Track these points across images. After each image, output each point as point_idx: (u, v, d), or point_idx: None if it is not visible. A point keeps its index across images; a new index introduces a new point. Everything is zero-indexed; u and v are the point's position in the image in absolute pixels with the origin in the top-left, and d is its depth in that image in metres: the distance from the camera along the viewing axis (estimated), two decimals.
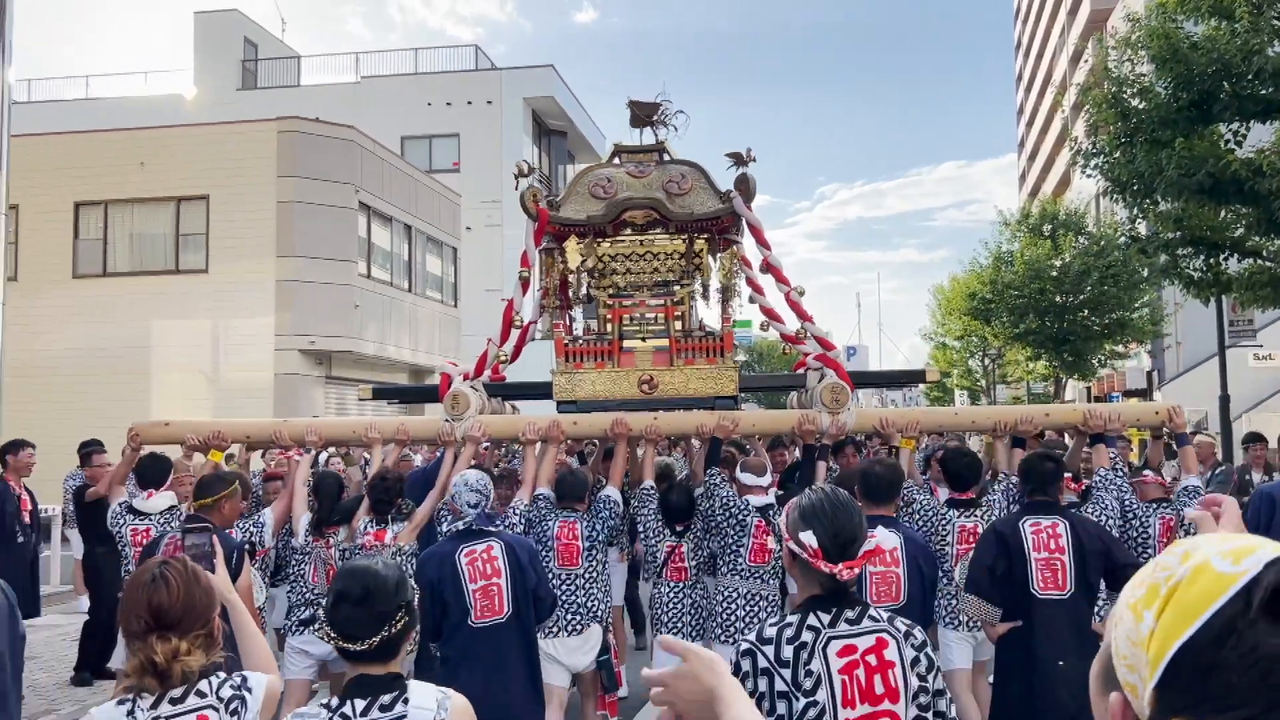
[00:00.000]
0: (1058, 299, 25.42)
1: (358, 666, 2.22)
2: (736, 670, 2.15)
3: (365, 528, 5.14)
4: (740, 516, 5.15)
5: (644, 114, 5.88)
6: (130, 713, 2.12)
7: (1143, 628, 0.81)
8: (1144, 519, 5.25)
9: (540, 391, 6.29)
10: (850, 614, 2.21)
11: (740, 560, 5.11)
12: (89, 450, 8.29)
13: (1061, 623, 4.21)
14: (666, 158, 5.90)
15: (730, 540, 5.15)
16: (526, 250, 5.77)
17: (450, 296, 23.20)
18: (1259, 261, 12.57)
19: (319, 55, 35.23)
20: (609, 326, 5.86)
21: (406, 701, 2.16)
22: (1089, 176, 14.06)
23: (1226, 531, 1.38)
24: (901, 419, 5.58)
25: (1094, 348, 25.87)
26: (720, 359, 5.75)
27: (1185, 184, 11.42)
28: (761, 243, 5.63)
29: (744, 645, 2.19)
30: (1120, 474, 5.34)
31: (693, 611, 5.30)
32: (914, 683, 2.19)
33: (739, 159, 5.63)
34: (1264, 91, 11.13)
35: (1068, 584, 4.24)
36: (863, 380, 6.54)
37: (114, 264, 17.92)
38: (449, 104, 28.92)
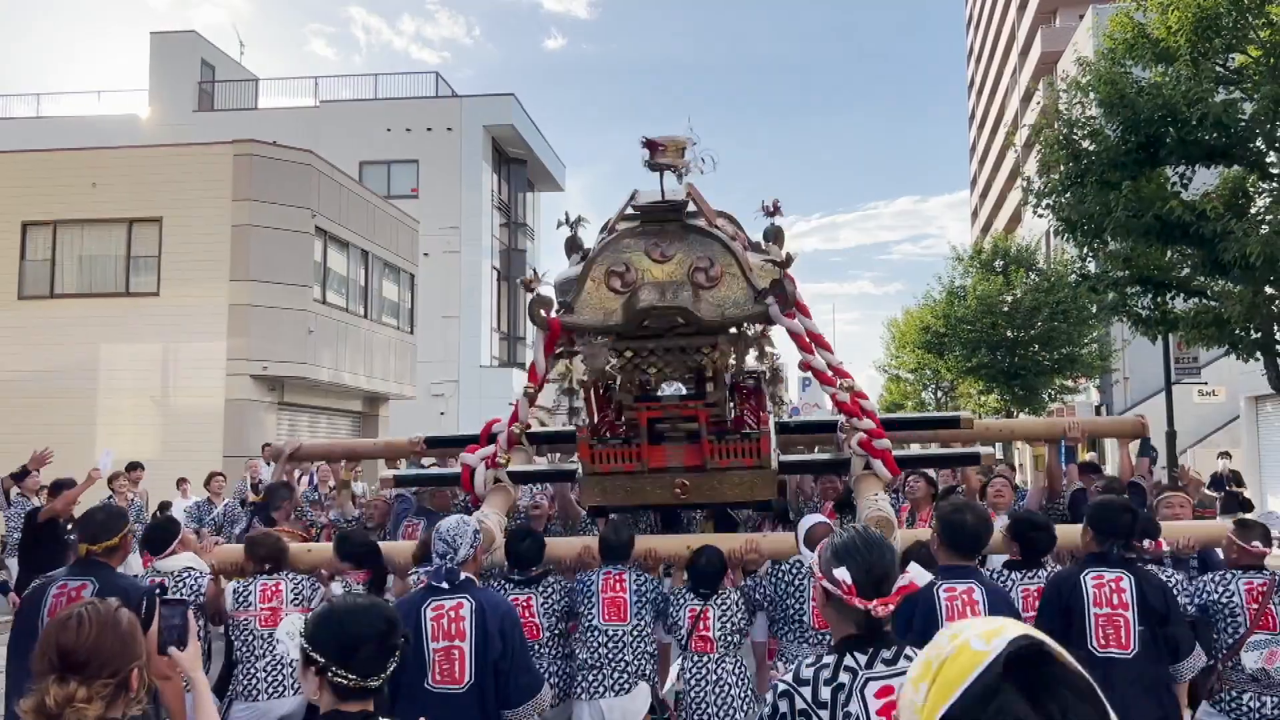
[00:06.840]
0: (1009, 334, 25.82)
1: (338, 702, 2.15)
2: (774, 711, 2.17)
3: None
4: (795, 581, 4.92)
5: (662, 157, 4.99)
6: None
7: (917, 699, 0.95)
8: (1228, 584, 4.53)
9: (565, 475, 6.13)
10: (886, 654, 2.21)
11: (806, 627, 4.85)
12: (58, 483, 8.62)
13: (1123, 684, 3.82)
14: (691, 219, 5.16)
15: (791, 608, 4.91)
16: (535, 363, 5.40)
17: (406, 323, 23.03)
18: (1203, 301, 12.87)
19: (277, 78, 34.96)
20: (636, 429, 5.38)
21: None
22: (1040, 216, 14.34)
23: None
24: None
25: (1044, 382, 26.26)
26: (756, 459, 5.33)
27: (1133, 225, 11.71)
28: (803, 348, 5.30)
29: (781, 686, 2.20)
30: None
31: (717, 688, 4.72)
32: None
33: (770, 211, 5.33)
34: (1207, 138, 11.46)
35: (1131, 643, 3.92)
36: (908, 462, 6.08)
37: (62, 285, 17.60)
38: (408, 130, 28.85)
